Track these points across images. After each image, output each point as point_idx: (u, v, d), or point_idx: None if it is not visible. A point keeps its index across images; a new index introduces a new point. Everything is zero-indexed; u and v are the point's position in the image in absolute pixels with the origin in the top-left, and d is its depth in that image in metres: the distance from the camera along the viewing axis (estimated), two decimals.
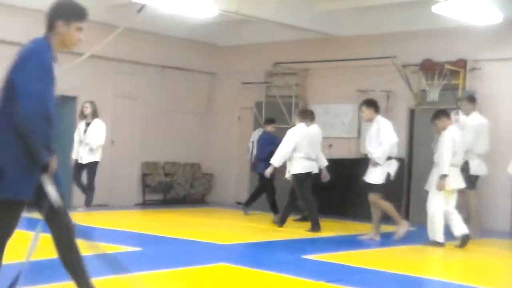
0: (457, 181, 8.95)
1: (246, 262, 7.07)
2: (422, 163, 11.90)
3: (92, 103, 11.84)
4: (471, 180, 9.65)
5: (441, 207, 8.87)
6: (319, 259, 7.52)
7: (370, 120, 9.23)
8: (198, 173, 15.02)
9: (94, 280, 5.18)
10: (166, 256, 7.18)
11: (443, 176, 8.72)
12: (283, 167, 10.33)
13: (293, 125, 10.75)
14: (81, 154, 11.65)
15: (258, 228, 10.31)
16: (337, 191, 11.22)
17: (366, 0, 11.86)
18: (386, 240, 9.37)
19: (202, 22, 12.53)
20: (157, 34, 13.59)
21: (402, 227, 9.21)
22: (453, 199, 8.94)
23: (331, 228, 10.15)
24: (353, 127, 13.04)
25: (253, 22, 12.67)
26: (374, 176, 9.07)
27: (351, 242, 9.13)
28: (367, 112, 9.24)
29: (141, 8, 11.31)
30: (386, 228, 9.80)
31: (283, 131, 11.50)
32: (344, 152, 12.78)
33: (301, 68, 13.76)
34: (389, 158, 9.12)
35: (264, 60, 13.88)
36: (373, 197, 9.10)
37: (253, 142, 12.71)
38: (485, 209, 11.28)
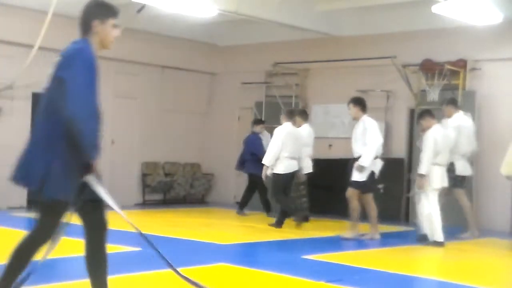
0: (442, 180, 9.07)
1: (246, 262, 7.07)
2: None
3: None
4: (458, 180, 9.77)
5: (436, 207, 8.93)
6: (319, 259, 7.51)
7: (356, 118, 9.21)
8: (198, 173, 15.03)
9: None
10: (166, 256, 7.18)
11: (421, 175, 8.87)
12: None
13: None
14: None
15: (258, 228, 10.31)
16: (337, 191, 11.19)
17: (366, 0, 11.85)
18: (386, 240, 9.37)
19: (202, 22, 12.53)
20: (157, 34, 13.59)
21: (352, 232, 9.17)
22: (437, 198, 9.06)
23: (331, 228, 10.15)
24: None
25: (253, 22, 12.67)
26: (355, 173, 9.03)
27: (351, 242, 9.12)
28: (354, 110, 9.23)
29: (141, 8, 11.31)
30: (386, 228, 9.81)
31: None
32: (344, 152, 12.76)
33: (301, 68, 13.76)
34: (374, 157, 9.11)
35: (264, 60, 13.88)
36: (350, 193, 9.09)
37: (263, 145, 12.70)
38: (485, 209, 11.30)
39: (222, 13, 11.26)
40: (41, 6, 10.93)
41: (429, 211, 8.93)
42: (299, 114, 11.57)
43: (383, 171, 9.46)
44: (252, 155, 11.56)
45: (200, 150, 15.12)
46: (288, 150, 10.20)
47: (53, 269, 6.42)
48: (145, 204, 13.92)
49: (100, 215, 4.30)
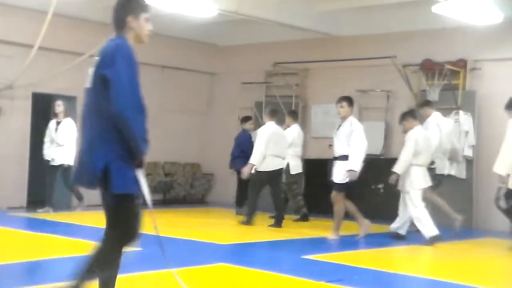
0: (425, 180, 9.18)
1: (246, 262, 7.07)
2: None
3: (64, 101, 11.62)
4: (437, 179, 9.88)
5: (422, 206, 9.06)
6: (319, 259, 7.51)
7: (345, 118, 9.17)
8: (198, 173, 15.03)
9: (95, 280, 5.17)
10: (166, 256, 7.17)
11: (394, 173, 9.03)
12: None
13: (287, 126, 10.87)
14: (53, 155, 11.38)
15: (258, 228, 10.30)
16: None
17: (366, 0, 11.85)
18: (386, 240, 9.37)
19: (202, 22, 12.52)
20: (157, 34, 13.49)
21: (334, 236, 9.17)
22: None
23: (331, 228, 10.14)
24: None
25: (253, 22, 12.66)
26: (341, 175, 8.98)
27: (351, 242, 9.12)
28: (347, 109, 9.10)
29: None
30: (386, 228, 9.80)
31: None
32: None
33: (301, 68, 13.76)
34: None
35: (264, 60, 13.87)
36: (336, 196, 9.07)
37: (252, 142, 12.75)
38: (485, 209, 11.30)
39: (222, 13, 11.26)
40: (41, 6, 10.93)
41: (415, 214, 9.02)
42: (289, 114, 11.70)
43: (384, 171, 9.45)
44: (242, 152, 11.61)
45: (200, 150, 15.12)
46: (272, 149, 10.31)
47: (53, 269, 6.42)
48: (145, 204, 13.89)
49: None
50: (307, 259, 7.52)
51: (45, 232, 8.88)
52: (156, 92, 14.19)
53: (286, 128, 11.40)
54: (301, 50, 13.61)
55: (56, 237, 8.47)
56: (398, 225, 9.40)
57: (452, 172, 11.49)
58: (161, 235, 4.22)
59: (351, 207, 9.29)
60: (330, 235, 9.17)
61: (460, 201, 11.47)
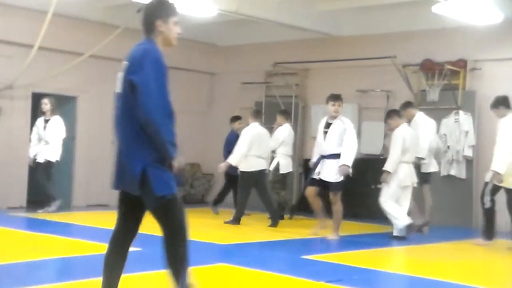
0: (411, 177, 9.34)
1: (246, 262, 7.06)
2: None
3: (51, 99, 11.51)
4: (422, 177, 9.99)
5: (392, 201, 9.29)
6: (319, 259, 7.51)
7: (336, 116, 9.16)
8: (198, 173, 15.02)
9: (94, 281, 5.18)
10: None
11: (386, 172, 9.18)
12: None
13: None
14: (39, 152, 11.27)
15: (258, 228, 10.31)
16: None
17: (366, 0, 11.85)
18: (386, 240, 9.37)
19: (202, 22, 12.52)
20: None
21: (335, 236, 9.16)
22: (407, 195, 9.34)
23: (331, 228, 10.14)
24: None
25: (253, 22, 12.66)
26: (336, 174, 8.99)
27: (351, 242, 9.12)
28: (340, 108, 9.15)
29: (141, 8, 11.29)
30: (386, 228, 9.80)
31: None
32: None
33: (301, 68, 13.76)
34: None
35: (264, 60, 13.87)
36: (334, 196, 9.09)
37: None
38: None
39: (222, 13, 11.26)
40: (41, 6, 10.93)
41: (384, 207, 9.27)
42: (280, 113, 11.73)
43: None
44: (228, 153, 11.62)
45: (200, 150, 15.11)
46: (255, 149, 10.41)
47: (53, 269, 6.42)
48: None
49: (140, 218, 4.39)
50: (307, 259, 7.51)
51: (45, 232, 8.88)
52: None
53: (277, 127, 11.48)
54: (301, 50, 13.61)
55: (56, 237, 8.47)
56: (414, 219, 9.49)
57: (452, 172, 11.51)
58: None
59: (318, 205, 9.31)
60: (330, 235, 9.17)
61: (460, 201, 11.48)
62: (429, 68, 11.85)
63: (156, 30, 4.29)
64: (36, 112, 12.18)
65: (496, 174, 8.73)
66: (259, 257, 7.75)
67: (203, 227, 10.11)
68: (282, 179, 11.37)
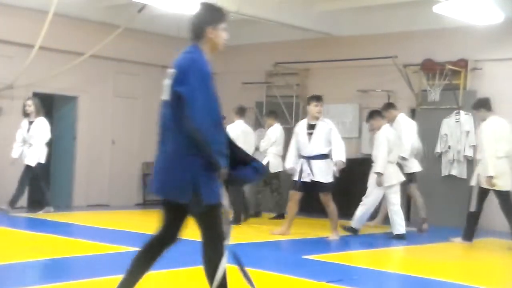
0: (397, 176, 9.46)
1: (246, 262, 7.05)
2: (423, 163, 11.90)
3: (34, 100, 11.22)
4: (406, 177, 10.01)
5: (375, 202, 9.51)
6: (319, 259, 7.50)
7: (318, 117, 9.18)
8: None
9: (94, 281, 5.18)
10: (166, 256, 7.15)
11: (379, 174, 9.26)
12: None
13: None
14: (25, 154, 11.07)
15: (258, 228, 10.30)
16: (337, 192, 11.22)
17: (366, 0, 11.84)
18: (386, 240, 9.37)
19: None
20: (157, 34, 13.58)
21: (335, 236, 9.16)
22: (396, 193, 9.43)
23: (331, 228, 10.14)
24: (354, 127, 13.04)
25: (253, 22, 12.66)
26: (327, 175, 9.03)
27: (351, 242, 9.12)
28: (321, 109, 9.22)
29: (141, 8, 11.31)
30: (387, 228, 9.79)
31: (285, 131, 11.57)
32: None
33: (301, 68, 13.75)
34: (327, 156, 9.15)
35: (264, 60, 13.86)
36: (327, 197, 9.11)
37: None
38: (485, 210, 11.24)
39: None
40: (41, 6, 10.93)
41: (362, 207, 9.45)
42: (269, 115, 11.82)
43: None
44: None
45: None
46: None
47: (53, 269, 6.42)
48: (145, 204, 13.90)
49: (182, 226, 4.46)
50: (308, 259, 7.51)
51: (45, 232, 8.88)
52: (156, 92, 14.13)
53: (268, 128, 11.55)
54: (302, 50, 13.60)
55: (56, 237, 8.47)
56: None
57: (453, 172, 11.51)
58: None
59: (294, 209, 9.34)
60: (331, 235, 9.16)
61: (461, 201, 11.46)
62: (430, 68, 11.84)
63: (206, 37, 4.29)
64: None
65: (489, 178, 8.79)
66: (260, 257, 7.74)
67: None
68: (270, 180, 11.40)
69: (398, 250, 8.88)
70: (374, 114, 9.75)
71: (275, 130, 11.48)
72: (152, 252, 4.34)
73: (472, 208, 9.08)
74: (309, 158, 9.05)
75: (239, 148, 4.34)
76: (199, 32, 4.29)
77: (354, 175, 10.79)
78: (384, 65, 12.07)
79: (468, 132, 11.44)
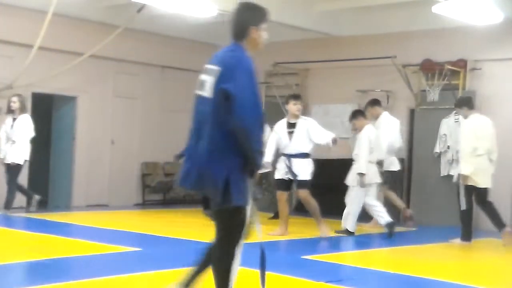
0: (375, 177, 9.57)
1: (246, 262, 7.06)
2: (422, 163, 11.93)
3: (20, 97, 11.05)
4: (385, 176, 10.15)
5: (360, 202, 9.56)
6: (319, 259, 7.51)
7: (298, 116, 9.22)
8: None
9: (94, 281, 5.18)
10: (166, 256, 7.16)
11: (361, 174, 9.33)
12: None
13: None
14: (8, 152, 10.86)
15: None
16: (337, 192, 11.23)
17: (366, 0, 11.85)
18: (386, 240, 9.37)
19: (202, 22, 12.52)
20: (157, 34, 13.59)
21: (325, 231, 9.22)
22: (373, 192, 9.60)
23: (331, 228, 10.14)
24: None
25: None
26: (306, 172, 9.12)
27: (351, 242, 9.12)
28: (301, 107, 9.30)
29: (141, 8, 11.31)
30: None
31: None
32: (344, 152, 12.76)
33: (301, 68, 13.76)
34: (308, 155, 9.22)
35: (264, 60, 13.82)
36: (305, 194, 9.16)
37: None
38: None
39: (222, 13, 11.25)
40: (41, 6, 10.92)
41: (350, 209, 9.54)
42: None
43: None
44: None
45: None
46: None
47: (53, 269, 6.42)
48: (145, 204, 13.92)
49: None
50: (307, 259, 7.51)
51: (44, 232, 8.88)
52: (156, 92, 14.19)
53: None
54: (301, 50, 13.61)
55: (56, 237, 8.47)
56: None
57: (452, 172, 11.51)
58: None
59: (285, 210, 9.39)
60: (320, 232, 9.19)
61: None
62: (429, 68, 11.85)
63: (249, 37, 4.32)
64: (36, 112, 12.18)
65: (463, 176, 8.98)
66: (259, 257, 7.74)
67: (203, 227, 10.09)
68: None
69: (397, 250, 8.88)
70: (357, 114, 9.81)
71: (265, 131, 11.45)
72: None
73: (463, 206, 9.17)
74: (290, 156, 9.13)
75: None
76: (242, 31, 4.30)
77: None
78: (384, 65, 12.08)
79: None
